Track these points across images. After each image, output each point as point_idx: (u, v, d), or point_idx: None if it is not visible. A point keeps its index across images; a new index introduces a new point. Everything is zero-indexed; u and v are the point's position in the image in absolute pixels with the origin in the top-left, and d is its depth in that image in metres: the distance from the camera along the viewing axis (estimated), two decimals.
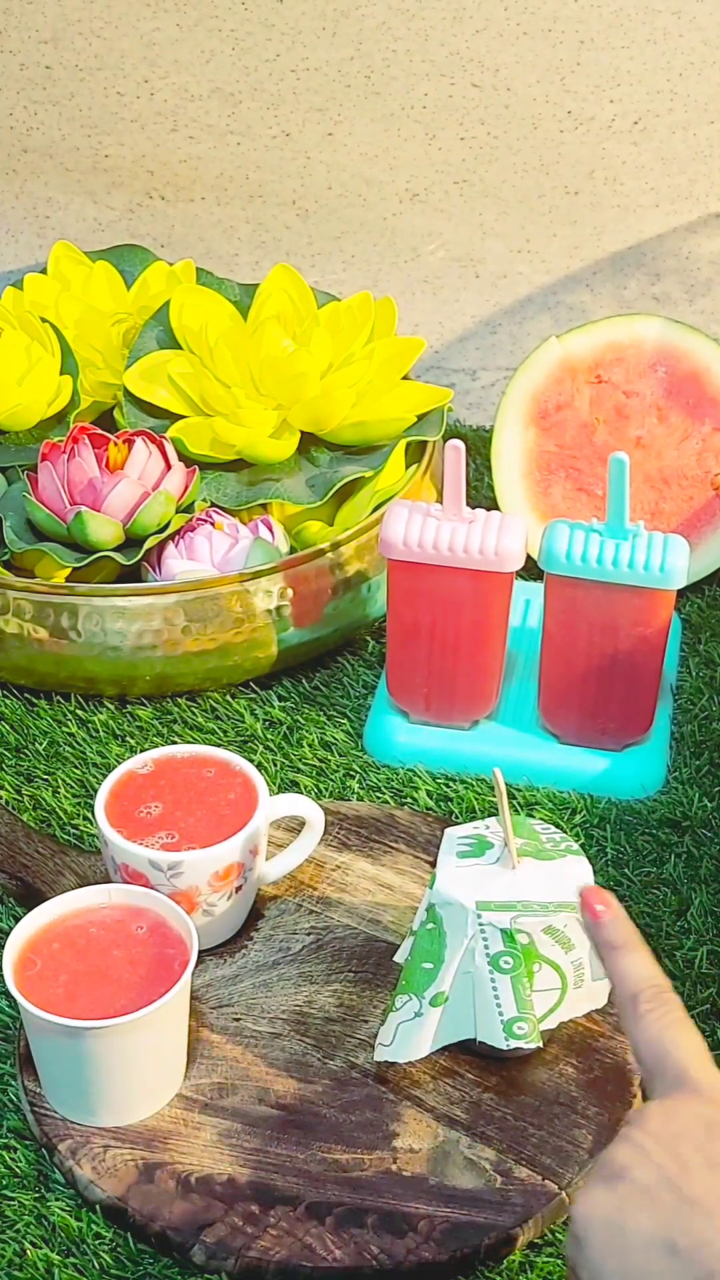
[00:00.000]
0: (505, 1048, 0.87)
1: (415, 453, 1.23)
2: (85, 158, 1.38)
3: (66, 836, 1.05)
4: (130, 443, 1.13)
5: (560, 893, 0.86)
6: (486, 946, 0.85)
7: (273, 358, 1.16)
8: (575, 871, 0.87)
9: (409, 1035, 0.87)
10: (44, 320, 1.22)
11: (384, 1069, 0.89)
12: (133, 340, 1.24)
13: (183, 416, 1.20)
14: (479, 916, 0.85)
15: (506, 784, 1.06)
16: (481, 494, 1.32)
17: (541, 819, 1.05)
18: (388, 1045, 0.88)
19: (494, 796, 0.89)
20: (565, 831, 1.03)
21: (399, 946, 0.95)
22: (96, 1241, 0.83)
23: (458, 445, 1.01)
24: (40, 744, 1.11)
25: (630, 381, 1.25)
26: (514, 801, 1.07)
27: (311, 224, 1.39)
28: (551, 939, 0.85)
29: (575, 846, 0.89)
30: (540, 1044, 0.87)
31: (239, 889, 0.94)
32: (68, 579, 1.13)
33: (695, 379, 1.24)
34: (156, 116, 1.35)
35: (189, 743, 1.11)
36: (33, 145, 1.38)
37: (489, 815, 1.03)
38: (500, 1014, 0.86)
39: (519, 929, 0.85)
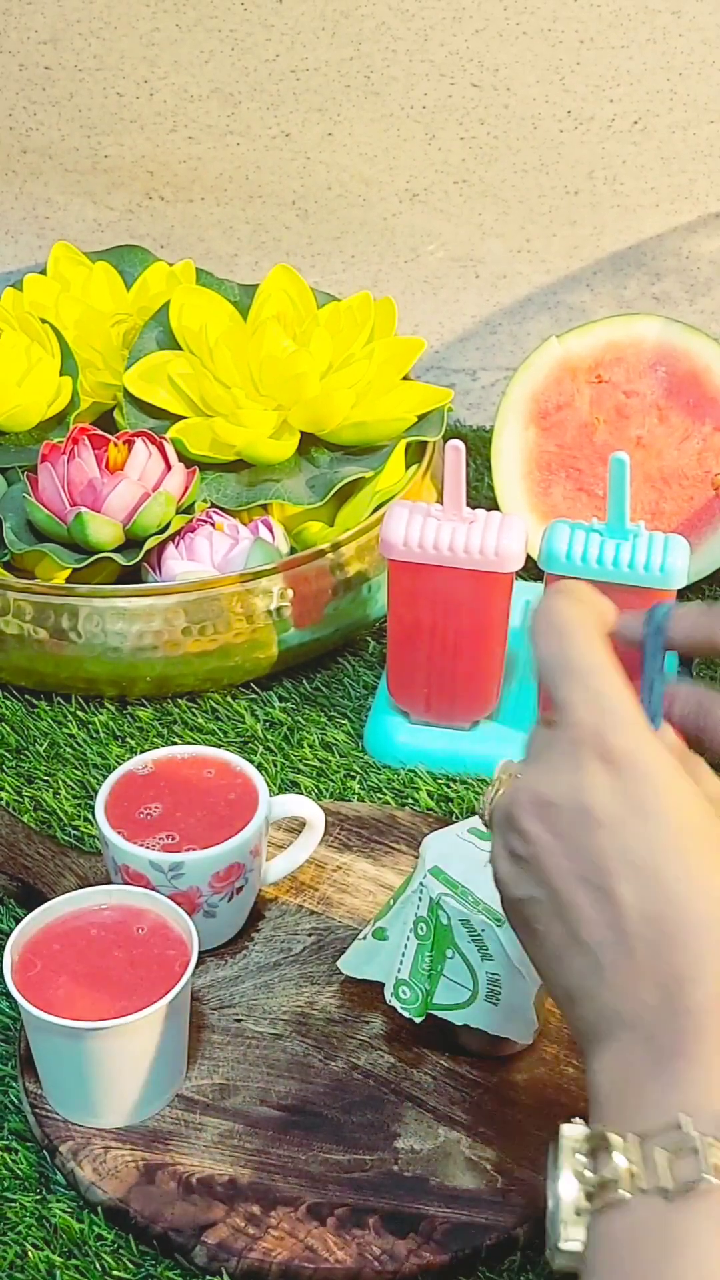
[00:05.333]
0: (388, 1002, 0.89)
1: (415, 453, 1.23)
2: (85, 158, 1.38)
3: (67, 838, 1.05)
4: (130, 443, 1.13)
5: (498, 902, 0.85)
6: (419, 907, 0.87)
7: (273, 358, 1.16)
8: None
9: (354, 951, 0.92)
10: (44, 321, 1.22)
11: (385, 1070, 0.89)
12: (132, 341, 1.24)
13: (183, 417, 1.20)
14: (425, 877, 0.87)
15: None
16: (481, 494, 1.32)
17: None
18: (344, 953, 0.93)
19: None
20: None
21: None
22: (98, 1243, 0.83)
23: (458, 445, 1.01)
24: (40, 745, 1.11)
25: (630, 381, 1.25)
26: None
27: (311, 224, 1.39)
28: (469, 935, 0.86)
29: None
30: (419, 1018, 0.88)
31: (239, 890, 0.94)
32: (68, 580, 1.13)
33: (695, 379, 1.24)
34: (156, 117, 1.35)
35: (189, 743, 1.11)
36: (32, 146, 1.38)
37: None
38: (398, 970, 0.88)
39: (444, 907, 0.86)
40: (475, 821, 0.91)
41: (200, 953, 0.93)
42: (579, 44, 1.28)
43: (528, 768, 0.64)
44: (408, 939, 0.88)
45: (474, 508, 1.05)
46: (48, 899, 0.93)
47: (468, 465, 1.33)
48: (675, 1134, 0.57)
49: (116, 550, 1.11)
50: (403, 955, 0.88)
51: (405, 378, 1.23)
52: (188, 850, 0.92)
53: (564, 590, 0.70)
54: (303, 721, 1.13)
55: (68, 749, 1.11)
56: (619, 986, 0.60)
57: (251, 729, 1.12)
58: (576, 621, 0.67)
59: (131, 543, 1.12)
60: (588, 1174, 0.59)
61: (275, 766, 1.10)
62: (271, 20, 1.29)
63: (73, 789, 1.08)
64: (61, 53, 1.33)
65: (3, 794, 1.08)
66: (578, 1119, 0.62)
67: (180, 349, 1.22)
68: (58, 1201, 0.84)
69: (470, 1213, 0.82)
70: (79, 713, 1.13)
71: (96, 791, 1.06)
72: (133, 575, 1.13)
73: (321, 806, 0.99)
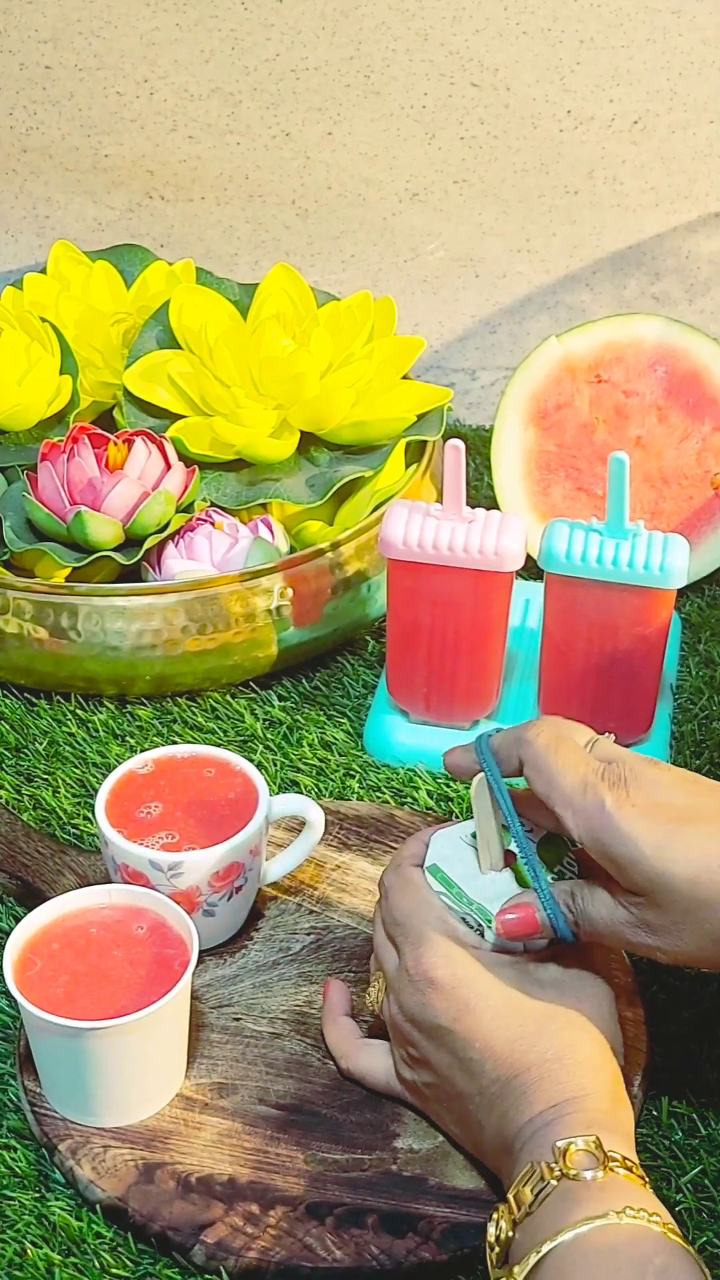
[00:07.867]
0: None
1: (415, 452, 1.23)
2: (85, 158, 1.38)
3: (66, 836, 1.05)
4: (130, 442, 1.13)
5: (490, 902, 0.85)
6: None
7: (272, 357, 1.16)
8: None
9: None
10: (44, 320, 1.22)
11: None
12: (132, 340, 1.24)
13: (182, 416, 1.20)
14: (423, 874, 0.87)
15: (510, 787, 1.06)
16: (481, 494, 1.32)
17: None
18: None
19: (498, 799, 0.88)
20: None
21: None
22: (97, 1241, 0.83)
23: (457, 445, 1.01)
24: (40, 744, 1.11)
25: (630, 381, 1.25)
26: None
27: (311, 224, 1.39)
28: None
29: None
30: None
31: (239, 889, 0.94)
32: (67, 579, 1.13)
33: (695, 379, 1.24)
34: (156, 116, 1.35)
35: (189, 742, 1.11)
36: (32, 145, 1.38)
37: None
38: None
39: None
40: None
41: (199, 952, 0.93)
42: (579, 44, 1.28)
43: (392, 991, 0.86)
44: None
45: (474, 507, 1.05)
46: (47, 897, 0.93)
47: (467, 465, 1.33)
48: (532, 1175, 0.76)
49: (116, 549, 1.11)
50: None
51: (405, 377, 1.23)
52: (187, 849, 0.92)
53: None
54: (302, 721, 1.13)
55: (67, 748, 1.11)
56: (492, 1125, 0.81)
57: (251, 728, 1.12)
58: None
59: (131, 542, 1.12)
60: (496, 1249, 0.77)
61: (275, 765, 1.10)
62: (271, 20, 1.30)
63: (72, 788, 1.08)
64: (61, 52, 1.33)
65: (2, 792, 1.08)
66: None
67: (180, 348, 1.22)
68: (56, 1200, 0.84)
69: (468, 1212, 0.82)
70: (78, 711, 1.14)
71: (96, 790, 1.06)
72: (132, 574, 1.13)
73: (321, 805, 0.99)
